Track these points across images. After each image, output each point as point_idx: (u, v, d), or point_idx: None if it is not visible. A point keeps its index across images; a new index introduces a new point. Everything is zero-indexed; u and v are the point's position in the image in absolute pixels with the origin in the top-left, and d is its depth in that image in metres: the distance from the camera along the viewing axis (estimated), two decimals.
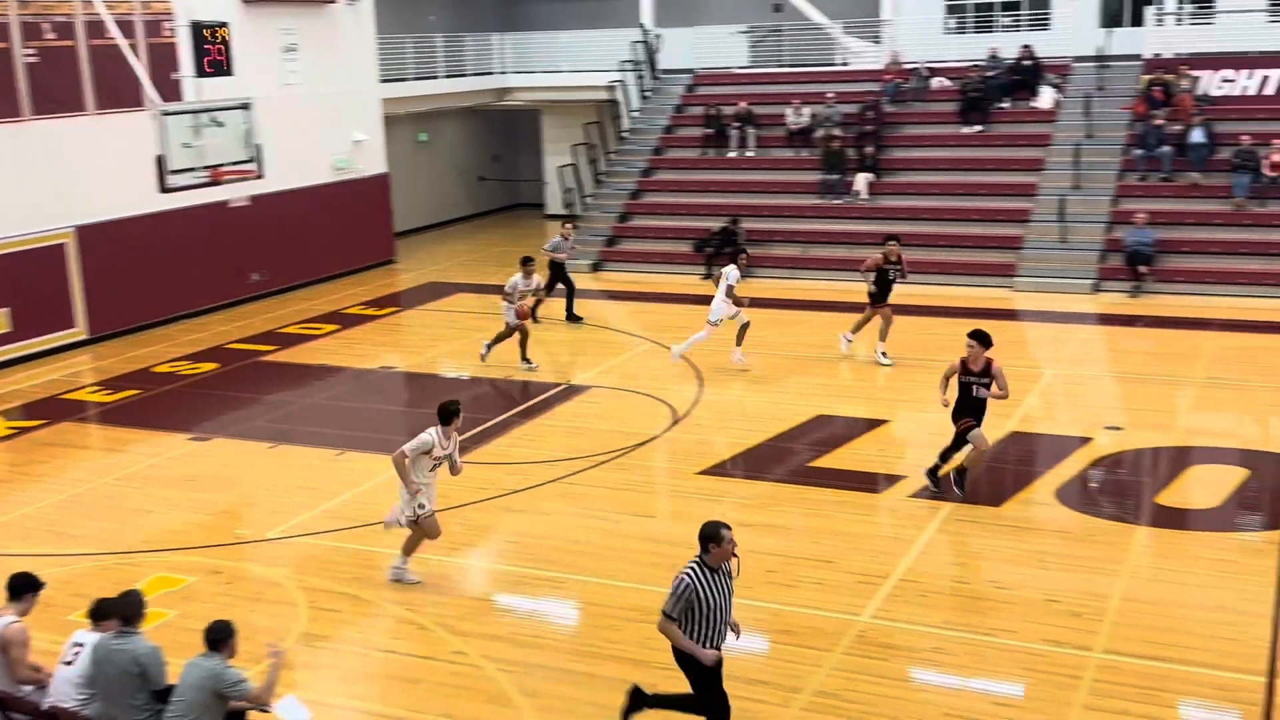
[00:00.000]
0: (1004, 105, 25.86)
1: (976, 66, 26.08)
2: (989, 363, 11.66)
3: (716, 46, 30.10)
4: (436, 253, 28.71)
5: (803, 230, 24.81)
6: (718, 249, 24.37)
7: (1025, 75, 25.86)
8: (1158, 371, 16.47)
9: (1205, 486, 12.47)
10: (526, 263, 17.81)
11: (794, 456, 13.72)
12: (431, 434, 10.25)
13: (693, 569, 7.36)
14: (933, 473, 12.29)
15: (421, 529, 10.48)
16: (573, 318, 20.64)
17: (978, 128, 25.47)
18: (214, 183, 16.75)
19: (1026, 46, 26.01)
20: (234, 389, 17.27)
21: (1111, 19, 26.86)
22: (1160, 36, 26.07)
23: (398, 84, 28.27)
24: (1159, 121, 23.34)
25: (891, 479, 12.88)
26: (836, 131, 25.74)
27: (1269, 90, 24.16)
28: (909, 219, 24.31)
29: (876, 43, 29.05)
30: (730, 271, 17.13)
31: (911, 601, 10.01)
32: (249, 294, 23.27)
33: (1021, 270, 22.43)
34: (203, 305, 22.22)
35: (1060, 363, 17.51)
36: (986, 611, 9.74)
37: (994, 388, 11.70)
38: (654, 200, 27.10)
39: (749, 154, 27.03)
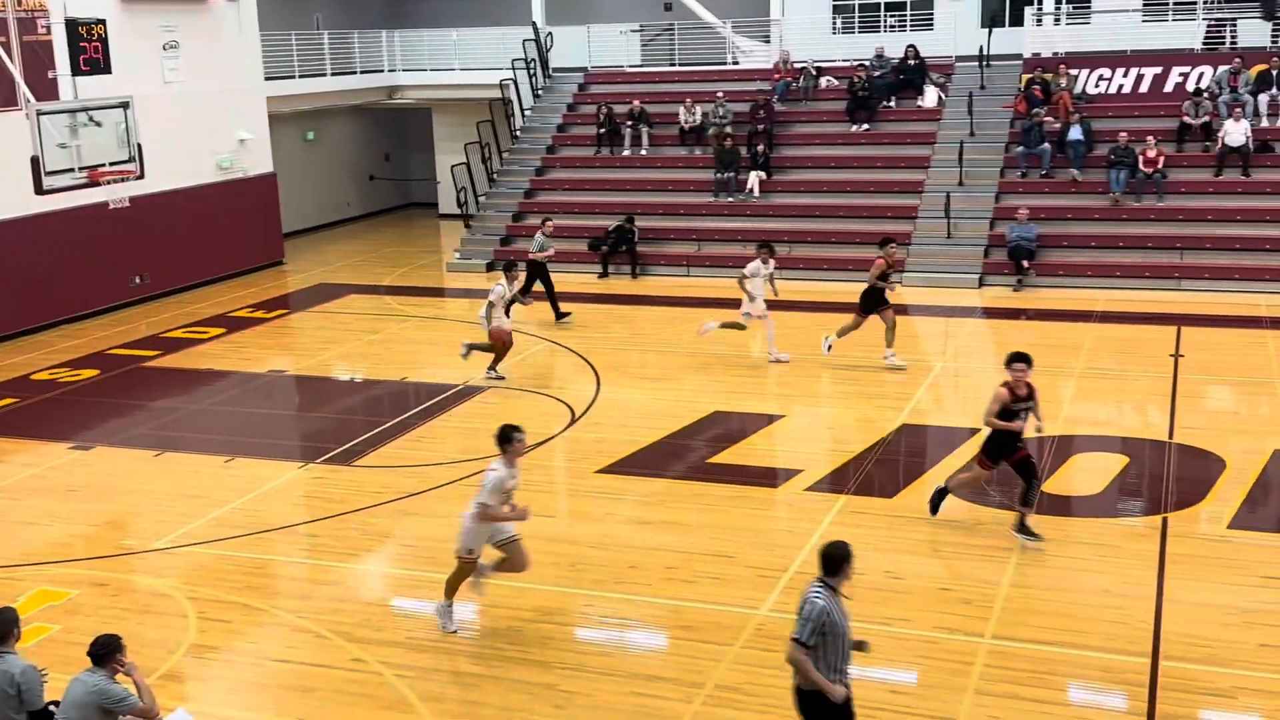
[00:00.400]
0: (890, 104, 26.33)
1: (863, 66, 26.51)
2: (1032, 387, 10.72)
3: (608, 45, 30.11)
4: (327, 253, 28.24)
5: (696, 228, 24.97)
6: (613, 247, 24.40)
7: (910, 75, 26.36)
8: (1041, 363, 16.82)
9: (1088, 474, 12.85)
10: (510, 268, 17.11)
11: (692, 453, 13.79)
12: (499, 468, 9.22)
13: (821, 592, 6.81)
14: (1021, 527, 11.02)
15: (510, 560, 9.66)
16: (561, 315, 20.24)
17: (865, 126, 25.90)
18: (92, 184, 16.24)
19: (911, 46, 26.51)
20: (116, 396, 16.77)
21: (992, 19, 27.53)
22: (1039, 36, 26.81)
23: (283, 82, 27.72)
24: (1039, 119, 24.00)
25: (788, 473, 13.02)
26: (728, 130, 25.94)
27: (1143, 88, 25.00)
28: (800, 216, 24.63)
29: (766, 42, 29.35)
30: (758, 266, 17.21)
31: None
32: (130, 298, 22.61)
33: (909, 266, 22.86)
34: (82, 310, 21.52)
35: (948, 356, 17.90)
36: (881, 601, 9.91)
37: (1033, 417, 10.76)
38: (548, 199, 27.02)
39: (642, 152, 27.10)
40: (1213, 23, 26.15)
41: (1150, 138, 22.93)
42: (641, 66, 30.08)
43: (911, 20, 29.24)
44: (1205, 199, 22.65)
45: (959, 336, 19.01)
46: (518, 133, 28.98)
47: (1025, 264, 21.89)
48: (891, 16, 29.55)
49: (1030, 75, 25.21)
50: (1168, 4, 26.80)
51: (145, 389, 17.10)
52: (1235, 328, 18.49)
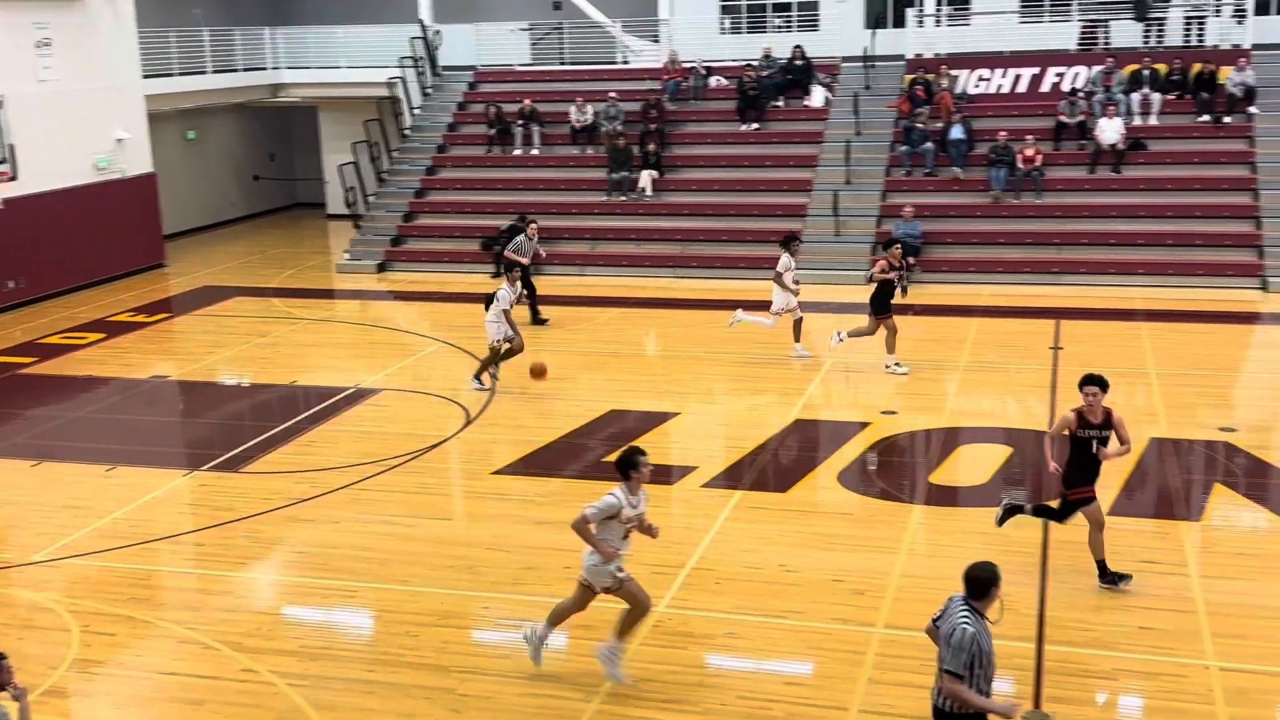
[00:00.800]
0: (779, 104, 26.66)
1: (751, 66, 26.79)
2: (1109, 412, 9.81)
3: (498, 43, 29.96)
4: (210, 255, 27.59)
5: (590, 227, 24.97)
6: (506, 247, 24.25)
7: (797, 75, 26.72)
8: (928, 357, 17.29)
9: (973, 465, 13.17)
10: (511, 269, 16.57)
11: (588, 452, 13.79)
12: (617, 495, 8.50)
13: (969, 617, 6.50)
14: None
15: (629, 597, 8.73)
16: (538, 320, 19.91)
17: (754, 126, 26.18)
18: None
19: (798, 47, 26.87)
20: None
21: (876, 20, 28.05)
22: (921, 37, 27.40)
23: (162, 80, 27.00)
24: (922, 119, 24.52)
25: (684, 470, 13.10)
26: (620, 129, 26.00)
27: (1021, 88, 25.70)
28: (693, 215, 24.81)
29: (655, 42, 29.48)
30: (786, 261, 17.22)
31: (706, 589, 10.22)
32: (5, 303, 21.82)
33: (800, 263, 23.13)
34: None
35: (838, 352, 18.17)
36: (776, 595, 10.03)
37: (1113, 442, 9.87)
38: (439, 199, 26.77)
39: (534, 152, 27.01)
40: (1087, 24, 27.00)
41: (1028, 137, 23.58)
42: (531, 65, 29.98)
43: (798, 21, 29.64)
44: (1081, 196, 23.39)
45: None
46: (407, 132, 28.65)
47: (911, 260, 22.33)
48: (778, 17, 29.92)
49: (913, 76, 25.75)
50: (1044, 6, 27.59)
51: (22, 397, 16.51)
52: (1111, 320, 19.12)
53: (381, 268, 25.18)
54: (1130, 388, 15.62)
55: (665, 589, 10.17)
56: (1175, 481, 12.40)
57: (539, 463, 13.45)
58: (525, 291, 19.61)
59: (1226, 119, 23.79)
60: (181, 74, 27.93)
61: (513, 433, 14.45)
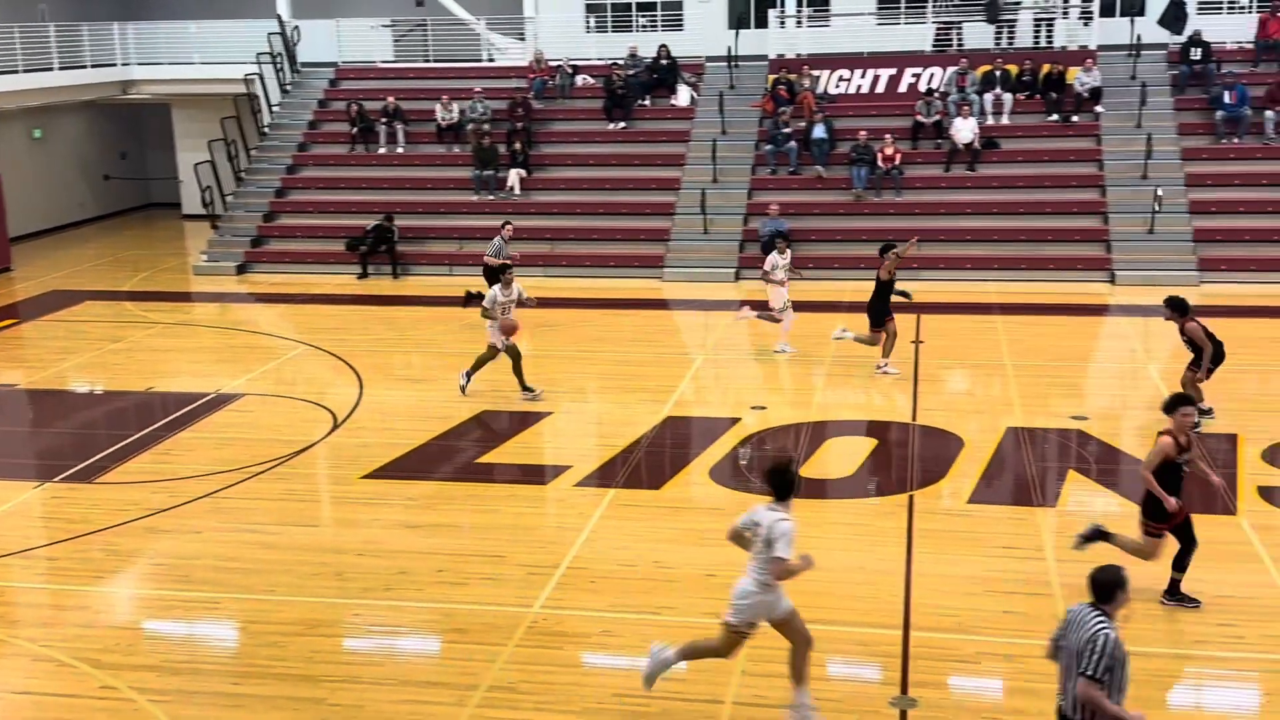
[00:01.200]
0: (645, 103, 26.79)
1: (617, 65, 26.87)
2: (1190, 436, 9.56)
3: (359, 40, 29.44)
4: (60, 258, 26.50)
5: (458, 227, 24.73)
6: (372, 247, 23.89)
7: (663, 74, 26.90)
8: (797, 353, 17.57)
9: (841, 457, 13.44)
10: (503, 270, 15.81)
11: (460, 454, 13.66)
12: (789, 515, 7.82)
13: (1107, 622, 6.32)
14: (1173, 592, 9.72)
15: (793, 631, 8.07)
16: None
17: (622, 124, 26.26)
18: None
19: (663, 46, 27.05)
20: None
21: (738, 21, 28.40)
22: (783, 38, 27.84)
23: (6, 77, 25.84)
24: (786, 118, 24.91)
25: (557, 469, 13.07)
26: (486, 127, 25.81)
27: (880, 89, 26.31)
28: (562, 214, 24.77)
29: (521, 40, 29.35)
30: (776, 259, 17.29)
31: (581, 588, 10.21)
32: None
33: (669, 261, 23.35)
34: None
35: (708, 349, 18.36)
36: (651, 591, 10.08)
37: (1208, 471, 9.72)
38: (301, 198, 26.20)
39: (399, 150, 26.64)
40: (941, 26, 27.78)
41: (887, 136, 24.15)
42: (394, 62, 29.55)
43: (662, 20, 29.84)
44: (938, 193, 24.06)
45: (718, 329, 19.53)
46: (266, 129, 27.96)
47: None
48: (643, 16, 30.07)
49: (776, 76, 26.14)
50: (900, 8, 28.28)
51: None
52: (968, 314, 19.70)
53: (241, 269, 24.54)
54: (987, 379, 16.12)
55: (540, 589, 10.13)
56: (1031, 469, 12.83)
57: (410, 466, 13.26)
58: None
59: (1074, 118, 24.73)
60: (27, 71, 26.75)
61: (382, 436, 14.22)
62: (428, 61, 29.47)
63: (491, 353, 15.37)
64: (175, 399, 15.81)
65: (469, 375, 15.49)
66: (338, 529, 11.75)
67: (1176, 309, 13.38)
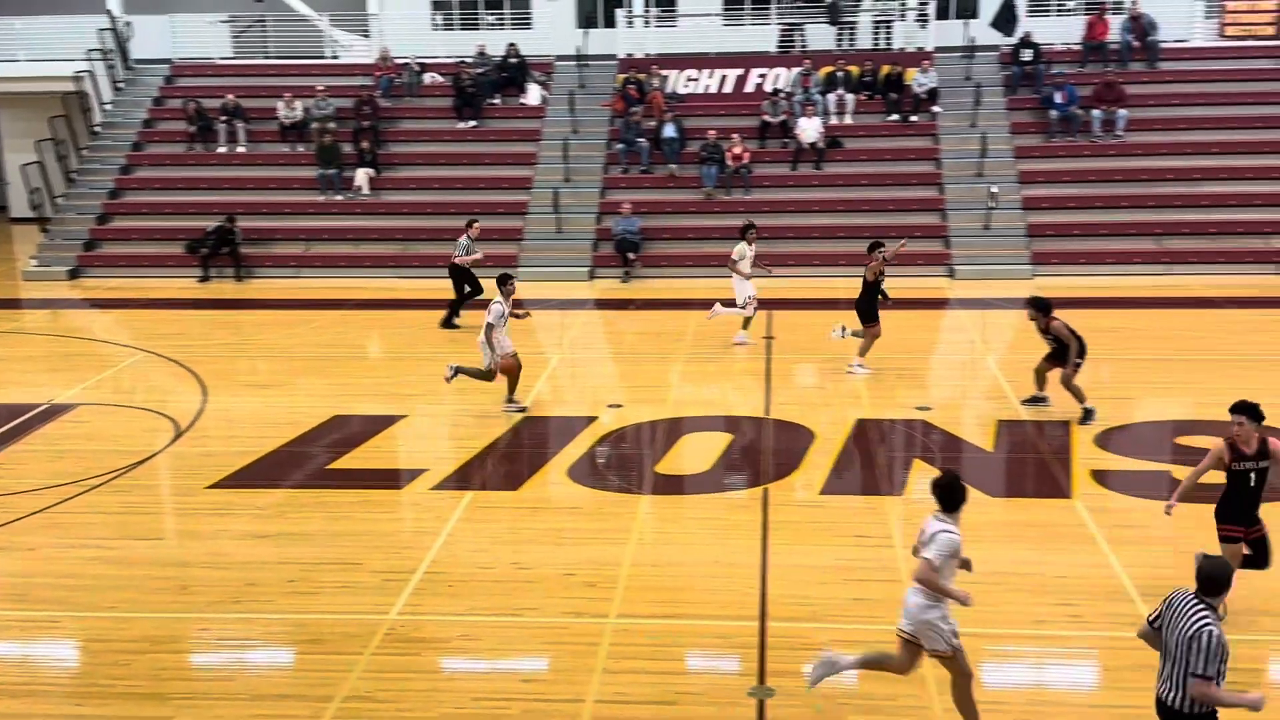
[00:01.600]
0: (495, 101, 26.63)
1: (466, 63, 26.63)
2: (1264, 441, 8.93)
3: (195, 36, 28.54)
4: None
5: (304, 227, 24.20)
6: (213, 250, 23.19)
7: (513, 73, 26.78)
8: (650, 350, 17.70)
9: (696, 453, 13.57)
10: (505, 281, 14.77)
11: (311, 460, 13.34)
12: (952, 529, 7.39)
13: (1210, 616, 6.23)
14: None
15: (956, 662, 7.64)
16: (451, 324, 18.91)
17: (472, 123, 26.05)
18: None
19: (512, 44, 26.92)
20: None
21: (587, 20, 28.46)
22: (631, 37, 28.00)
23: None
24: (636, 118, 25.06)
25: (413, 473, 12.88)
26: (331, 126, 25.29)
27: (727, 88, 26.69)
28: (413, 214, 24.45)
29: (366, 37, 28.85)
30: (745, 249, 17.35)
31: (439, 593, 10.08)
32: None
33: (523, 260, 23.26)
34: None
35: (564, 348, 18.34)
36: (510, 593, 10.01)
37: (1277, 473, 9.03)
38: (137, 199, 25.27)
39: (240, 149, 25.91)
40: (785, 27, 28.33)
41: (736, 135, 24.52)
42: (234, 59, 28.73)
43: (511, 19, 29.70)
44: (786, 192, 24.53)
45: (574, 328, 19.53)
46: (97, 129, 26.88)
47: (631, 256, 22.82)
48: (491, 14, 29.88)
49: (626, 75, 26.28)
50: (744, 9, 28.73)
51: None
52: (816, 309, 20.12)
53: (74, 274, 23.55)
54: (836, 373, 16.48)
55: (396, 596, 9.96)
56: (879, 459, 13.18)
57: (258, 474, 12.89)
58: (469, 291, 19.08)
59: (913, 118, 25.49)
60: None
61: (228, 444, 13.80)
62: (268, 58, 28.73)
63: (489, 373, 14.68)
64: (4, 410, 15.06)
65: (470, 372, 14.78)
66: (182, 541, 11.35)
67: (1040, 308, 13.82)
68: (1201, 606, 6.29)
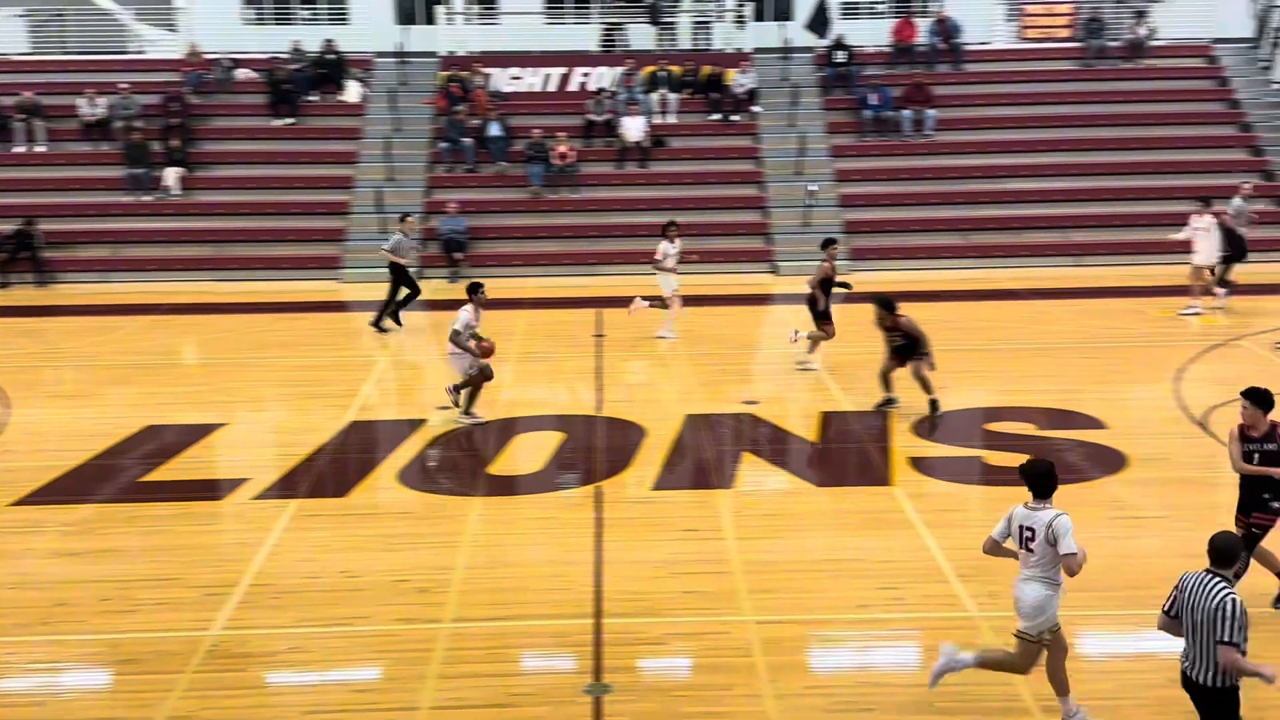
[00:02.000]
0: (312, 98, 25.99)
1: (280, 59, 25.92)
2: (1275, 425, 9.07)
3: None
4: None
5: (111, 230, 23.17)
6: (12, 255, 21.99)
7: (330, 69, 26.19)
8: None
9: (529, 452, 13.53)
10: (476, 290, 14.19)
11: (123, 473, 12.76)
12: (1062, 511, 7.34)
13: (1230, 586, 6.42)
14: None
15: (1055, 645, 7.62)
16: (381, 325, 18.32)
17: (289, 120, 25.37)
18: None
19: (329, 40, 26.33)
20: None
21: (406, 16, 28.01)
22: (452, 34, 27.72)
23: None
24: (460, 116, 24.81)
25: (233, 483, 12.45)
26: (138, 124, 24.27)
27: (551, 87, 26.68)
28: (227, 215, 23.68)
29: (173, 31, 27.77)
30: (667, 247, 17.60)
31: (264, 606, 9.77)
32: None
33: (346, 261, 22.78)
34: None
35: (390, 350, 18.03)
36: (339, 603, 9.78)
37: None
38: None
39: (39, 149, 24.63)
40: (607, 26, 28.48)
41: (561, 134, 24.54)
42: (31, 54, 27.27)
43: (326, 14, 29.03)
44: (612, 190, 24.68)
45: (401, 330, 19.21)
46: None
47: (458, 256, 22.59)
48: (305, 9, 29.16)
49: (448, 73, 26.00)
50: (566, 8, 28.79)
51: None
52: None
53: None
54: (664, 368, 16.68)
55: (218, 610, 9.62)
56: (709, 453, 13.38)
57: (65, 489, 12.26)
58: (409, 292, 18.58)
59: (734, 117, 25.97)
60: None
61: (34, 458, 13.09)
62: (68, 53, 27.38)
63: (478, 379, 14.11)
64: None
65: (462, 402, 14.12)
66: None
67: (886, 306, 14.12)
68: (1218, 579, 6.50)
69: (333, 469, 12.92)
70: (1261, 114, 25.82)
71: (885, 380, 14.33)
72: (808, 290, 16.30)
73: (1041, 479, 7.40)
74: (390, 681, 8.62)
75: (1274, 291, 19.82)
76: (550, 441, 13.76)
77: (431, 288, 22.04)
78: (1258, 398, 9.00)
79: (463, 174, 24.62)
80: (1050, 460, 7.64)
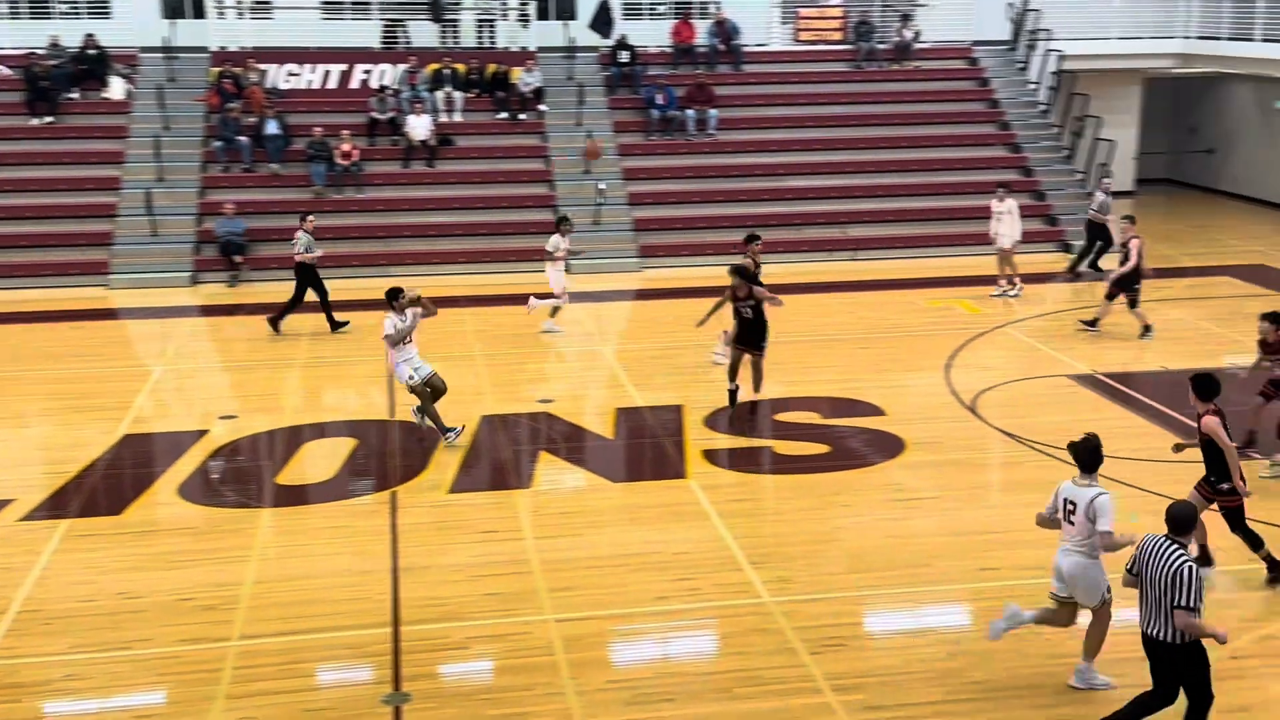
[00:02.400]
0: (73, 96, 24.59)
1: (37, 54, 24.43)
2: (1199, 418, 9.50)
3: None
4: None
5: None
6: None
7: (92, 65, 24.83)
8: (262, 357, 16.98)
9: (320, 460, 13.17)
10: (397, 295, 13.33)
11: None
12: (1104, 489, 7.98)
13: (1185, 552, 6.90)
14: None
15: (1106, 609, 8.16)
16: (336, 325, 17.78)
17: (48, 119, 23.94)
18: None
19: (90, 35, 24.96)
20: None
21: (174, 10, 26.73)
22: (224, 29, 26.68)
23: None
24: (234, 114, 23.91)
25: None
26: None
27: (331, 84, 26.00)
28: None
29: None
30: (558, 240, 17.52)
31: (35, 632, 9.21)
32: None
33: (114, 267, 21.65)
34: None
35: (167, 358, 17.25)
36: (118, 626, 9.31)
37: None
38: None
39: None
40: (388, 23, 27.96)
41: (344, 132, 23.93)
42: None
43: (87, 8, 27.50)
44: (399, 190, 24.24)
45: (177, 337, 18.38)
46: None
47: (238, 259, 21.77)
48: (63, 3, 27.55)
49: (220, 69, 25.02)
50: (345, 3, 28.12)
51: None
52: (439, 308, 20.02)
53: None
54: (459, 370, 16.49)
55: None
56: (506, 453, 13.32)
57: None
58: (317, 295, 17.84)
59: (521, 116, 25.91)
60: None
61: None
62: None
63: (420, 388, 13.34)
64: None
65: (434, 422, 13.32)
66: None
67: (745, 276, 14.32)
68: (1176, 546, 6.98)
69: (106, 486, 12.28)
70: (1018, 113, 27.41)
71: (732, 372, 14.40)
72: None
73: (1090, 454, 8.03)
74: (176, 705, 8.26)
75: (1037, 281, 21.08)
76: (342, 448, 13.44)
77: (208, 294, 21.19)
78: (1197, 384, 9.54)
79: (239, 174, 23.71)
80: (1097, 438, 8.14)
